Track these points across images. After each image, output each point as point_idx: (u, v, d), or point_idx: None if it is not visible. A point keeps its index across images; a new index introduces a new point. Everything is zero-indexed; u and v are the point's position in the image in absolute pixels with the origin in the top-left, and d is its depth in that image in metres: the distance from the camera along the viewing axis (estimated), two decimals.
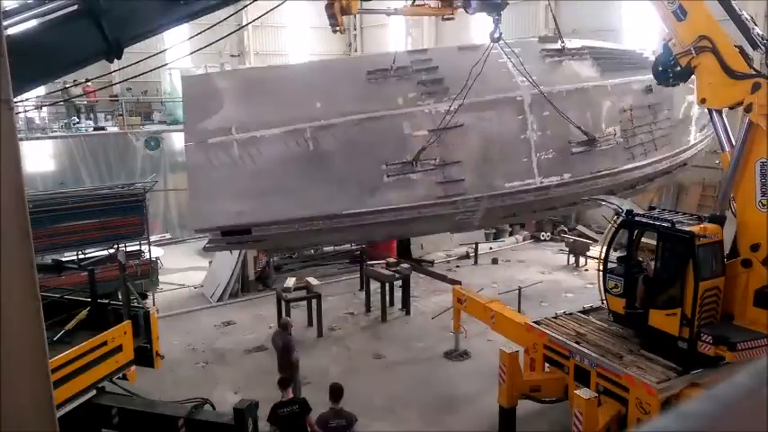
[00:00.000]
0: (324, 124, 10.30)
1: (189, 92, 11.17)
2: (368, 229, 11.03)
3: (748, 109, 8.42)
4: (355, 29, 34.19)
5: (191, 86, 11.31)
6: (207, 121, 10.15)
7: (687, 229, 8.47)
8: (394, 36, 31.35)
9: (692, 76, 9.37)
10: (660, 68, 9.59)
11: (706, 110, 9.43)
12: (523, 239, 21.40)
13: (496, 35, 11.41)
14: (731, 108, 9.08)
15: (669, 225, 8.66)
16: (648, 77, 11.43)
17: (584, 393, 8.24)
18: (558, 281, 17.41)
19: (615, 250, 9.81)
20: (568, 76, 11.87)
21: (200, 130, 10.10)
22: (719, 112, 9.03)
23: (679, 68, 9.24)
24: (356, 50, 34.54)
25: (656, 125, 12.44)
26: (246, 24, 22.07)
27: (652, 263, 9.23)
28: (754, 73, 8.64)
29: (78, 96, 22.70)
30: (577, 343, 9.26)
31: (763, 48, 9.02)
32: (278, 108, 10.45)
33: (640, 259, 9.71)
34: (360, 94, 10.82)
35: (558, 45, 12.38)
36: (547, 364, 9.84)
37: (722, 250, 8.64)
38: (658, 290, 8.89)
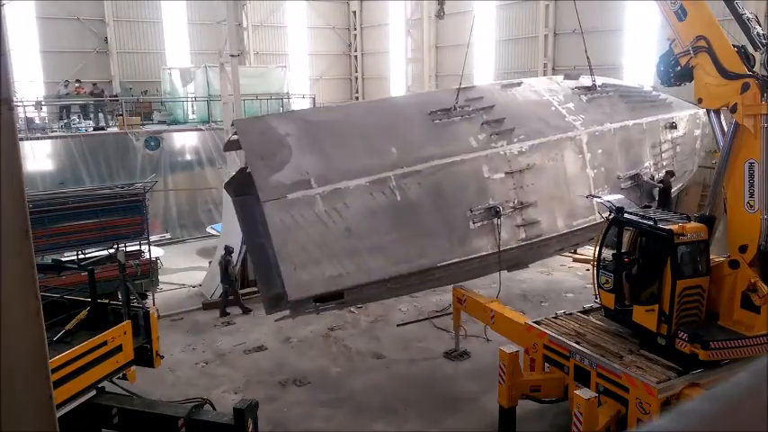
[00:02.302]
0: (407, 171, 9.61)
1: (248, 140, 9.54)
2: (453, 276, 10.79)
3: (733, 110, 8.43)
4: (355, 29, 34.22)
5: (247, 133, 9.69)
6: (279, 173, 9.05)
7: (666, 227, 8.52)
8: (394, 36, 31.35)
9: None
10: (662, 68, 9.61)
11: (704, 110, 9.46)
12: None
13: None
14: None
15: (651, 223, 8.75)
16: (671, 116, 12.32)
17: (584, 393, 8.24)
18: (559, 281, 17.41)
19: (607, 247, 9.91)
20: (608, 114, 12.05)
21: (274, 184, 8.92)
22: (717, 113, 9.03)
23: (679, 68, 9.26)
24: (356, 50, 34.55)
25: (677, 158, 12.93)
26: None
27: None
28: (746, 74, 8.58)
29: (68, 96, 22.77)
30: (577, 343, 9.27)
31: (763, 48, 8.96)
32: (352, 155, 9.65)
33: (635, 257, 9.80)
34: (429, 136, 10.31)
35: (579, 82, 12.69)
36: (547, 364, 9.85)
37: (707, 250, 8.66)
38: (640, 286, 9.01)
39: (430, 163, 9.86)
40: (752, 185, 8.41)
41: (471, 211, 10.00)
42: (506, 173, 10.45)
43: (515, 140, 10.58)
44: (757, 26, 9.11)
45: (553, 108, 11.51)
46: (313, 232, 8.94)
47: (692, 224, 8.68)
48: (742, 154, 8.54)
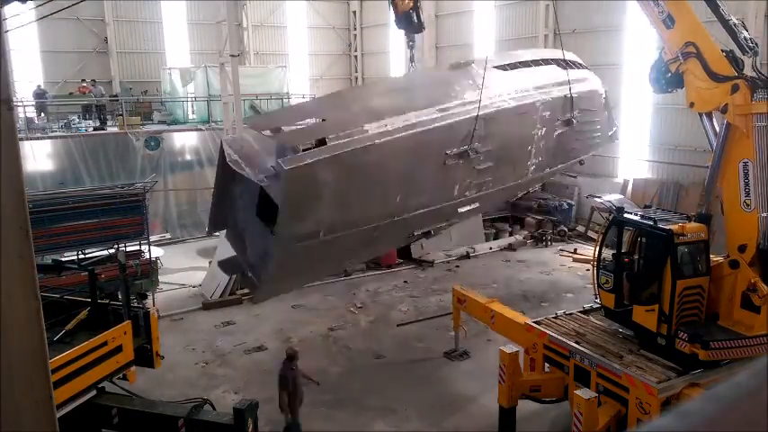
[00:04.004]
0: (395, 220, 9.72)
1: (292, 187, 8.47)
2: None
3: (724, 110, 8.57)
4: (355, 29, 34.22)
5: (296, 181, 8.48)
6: (300, 224, 8.68)
7: (666, 227, 8.54)
8: (394, 36, 31.34)
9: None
10: (654, 75, 9.76)
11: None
12: (524, 239, 21.37)
13: (413, 59, 13.91)
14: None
15: (651, 223, 8.76)
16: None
17: (584, 393, 8.24)
18: (559, 281, 17.41)
19: (607, 247, 9.94)
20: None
21: (289, 235, 8.66)
22: (709, 116, 9.15)
23: (670, 75, 9.42)
24: (356, 50, 34.55)
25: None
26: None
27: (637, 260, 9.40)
28: (735, 75, 8.70)
29: (71, 95, 22.83)
30: (577, 343, 9.28)
31: (750, 52, 9.10)
32: (367, 206, 9.47)
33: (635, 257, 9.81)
34: (433, 183, 10.04)
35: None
36: (547, 364, 9.86)
37: (707, 250, 8.68)
38: (640, 286, 9.02)
39: (415, 212, 9.89)
40: (747, 185, 8.48)
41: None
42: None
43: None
44: (744, 31, 9.22)
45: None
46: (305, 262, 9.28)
47: (693, 224, 8.73)
48: (736, 154, 8.61)
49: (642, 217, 9.27)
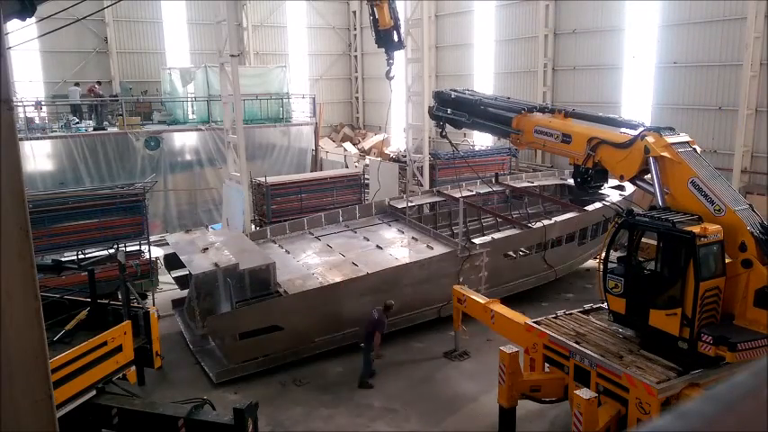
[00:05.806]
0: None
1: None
2: None
3: (647, 151, 9.37)
4: (355, 29, 34.22)
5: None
6: None
7: (688, 229, 8.49)
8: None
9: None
10: (579, 180, 10.84)
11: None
12: None
13: (391, 75, 15.24)
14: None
15: (670, 225, 8.68)
16: None
17: (584, 393, 8.24)
18: (559, 281, 17.38)
19: (615, 250, 9.85)
20: None
21: None
22: (641, 179, 9.88)
23: (591, 171, 10.52)
24: (356, 50, 34.55)
25: None
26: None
27: (647, 262, 9.31)
28: (635, 133, 9.78)
29: (82, 95, 22.86)
30: (577, 343, 9.26)
31: (640, 125, 10.12)
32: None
33: (641, 259, 9.74)
34: None
35: None
36: (547, 365, 9.85)
37: (723, 250, 8.64)
38: (659, 290, 8.91)
39: None
40: (706, 196, 8.88)
41: None
42: None
43: None
44: (620, 116, 10.97)
45: None
46: None
47: (712, 225, 8.65)
48: (679, 178, 9.15)
49: (656, 219, 9.11)
